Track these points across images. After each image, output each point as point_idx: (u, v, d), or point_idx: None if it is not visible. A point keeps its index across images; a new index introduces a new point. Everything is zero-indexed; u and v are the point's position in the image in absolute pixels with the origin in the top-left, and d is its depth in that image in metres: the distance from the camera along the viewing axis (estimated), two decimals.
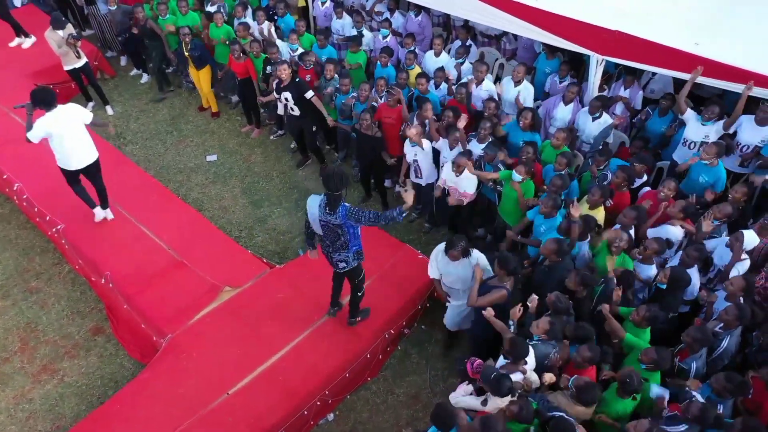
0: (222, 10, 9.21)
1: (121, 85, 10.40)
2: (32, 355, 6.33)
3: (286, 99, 7.57)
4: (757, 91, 6.17)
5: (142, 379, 5.51)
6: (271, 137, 9.25)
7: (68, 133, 6.28)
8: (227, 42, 8.81)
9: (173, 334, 5.77)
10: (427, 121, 6.96)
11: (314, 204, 5.02)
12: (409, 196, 4.85)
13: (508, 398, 4.24)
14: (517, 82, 7.49)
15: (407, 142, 6.88)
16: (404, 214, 4.84)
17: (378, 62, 8.26)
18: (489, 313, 4.95)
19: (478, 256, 5.40)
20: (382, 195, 7.89)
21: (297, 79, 7.46)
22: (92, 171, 6.70)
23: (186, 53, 8.84)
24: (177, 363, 5.57)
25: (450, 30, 9.83)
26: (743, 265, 5.26)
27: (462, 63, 8.08)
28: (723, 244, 5.45)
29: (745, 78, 6.15)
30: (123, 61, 10.92)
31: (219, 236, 6.98)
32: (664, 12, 6.94)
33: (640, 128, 7.43)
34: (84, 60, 9.02)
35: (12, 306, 6.82)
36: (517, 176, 6.04)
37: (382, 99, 7.49)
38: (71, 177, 6.65)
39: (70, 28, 8.75)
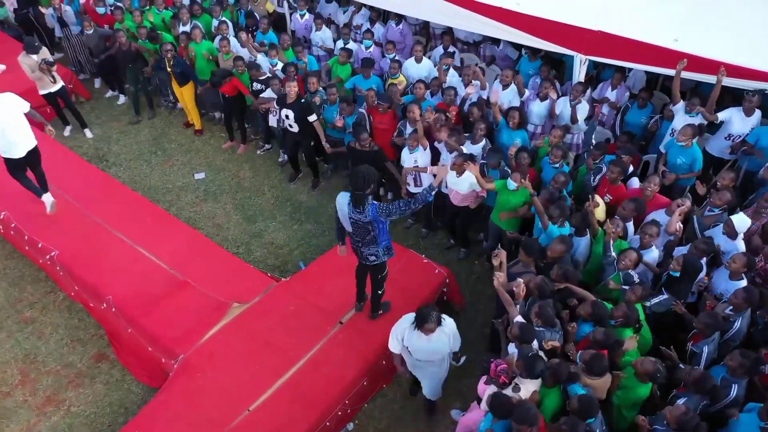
0: (198, 27, 9.16)
1: (98, 107, 10.21)
2: (34, 387, 6.12)
3: (287, 116, 7.58)
4: (738, 82, 6.48)
5: (159, 402, 5.39)
6: (258, 152, 9.20)
7: (6, 120, 6.60)
8: (210, 57, 8.76)
9: (185, 354, 5.66)
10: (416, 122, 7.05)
11: (343, 201, 5.11)
12: (441, 170, 5.04)
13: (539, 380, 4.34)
14: (506, 86, 7.64)
15: (406, 149, 6.94)
16: (434, 191, 4.95)
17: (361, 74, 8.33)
18: (498, 282, 5.06)
19: (449, 323, 4.82)
20: None
21: (302, 100, 7.47)
22: (33, 159, 7.04)
23: (168, 69, 8.75)
24: (192, 383, 5.47)
25: (429, 37, 9.99)
26: (738, 247, 5.48)
27: (447, 69, 8.19)
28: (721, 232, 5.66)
29: (718, 70, 6.44)
30: (97, 83, 10.74)
31: (220, 253, 6.90)
32: (643, 10, 7.21)
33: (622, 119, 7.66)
34: (60, 84, 8.85)
35: (7, 338, 6.59)
36: (512, 185, 6.13)
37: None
38: (15, 166, 6.95)
39: (44, 53, 8.55)
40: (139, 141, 9.48)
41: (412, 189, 7.14)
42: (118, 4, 9.77)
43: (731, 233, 5.43)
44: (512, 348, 4.76)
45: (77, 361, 6.37)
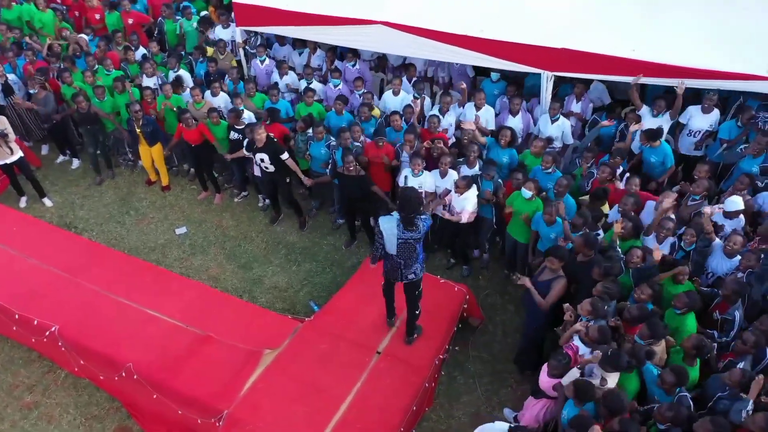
0: (163, 80, 9.04)
1: (51, 174, 9.68)
2: None
3: (262, 160, 7.60)
4: (693, 82, 7.20)
5: None
6: (236, 200, 9.06)
7: None
8: (174, 108, 8.62)
9: (229, 409, 5.44)
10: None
11: (391, 225, 5.30)
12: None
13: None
14: (479, 108, 8.05)
15: (410, 173, 7.10)
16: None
17: (333, 110, 8.48)
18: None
19: None
20: (370, 236, 8.00)
21: (274, 139, 7.51)
22: None
23: (138, 130, 8.50)
24: None
25: (384, 71, 10.28)
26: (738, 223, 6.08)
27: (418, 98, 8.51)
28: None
29: (678, 73, 7.15)
30: (44, 149, 10.21)
31: (233, 302, 6.74)
32: (600, 25, 7.82)
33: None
34: (18, 154, 8.45)
35: (11, 428, 6.06)
36: (527, 193, 6.46)
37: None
38: None
39: (2, 123, 8.11)
40: (105, 203, 9.07)
41: None
42: (63, 65, 9.39)
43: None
44: (582, 348, 5.01)
45: None
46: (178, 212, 8.88)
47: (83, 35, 10.30)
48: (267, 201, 8.84)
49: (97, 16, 10.67)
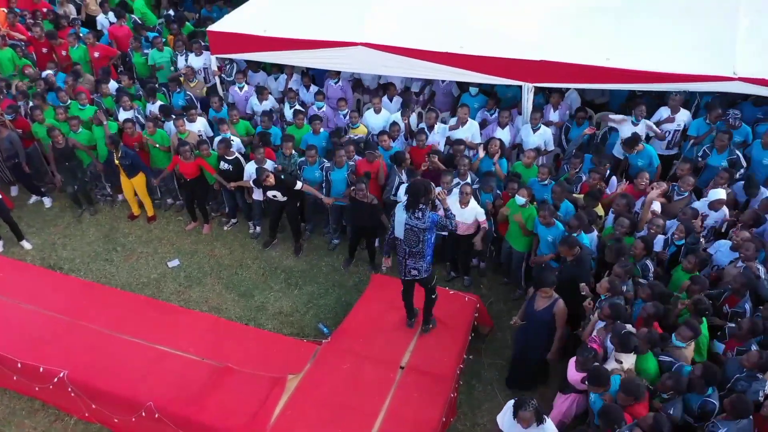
0: (140, 114, 8.91)
1: (26, 216, 9.31)
2: None
3: (275, 196, 7.65)
4: (664, 86, 7.66)
5: None
6: (225, 228, 8.96)
7: None
8: (157, 145, 8.51)
9: None
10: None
11: (401, 210, 5.67)
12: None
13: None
14: (463, 123, 8.30)
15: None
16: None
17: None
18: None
19: (550, 426, 4.61)
20: (371, 255, 8.09)
21: (282, 177, 7.55)
22: None
23: (116, 161, 8.33)
24: None
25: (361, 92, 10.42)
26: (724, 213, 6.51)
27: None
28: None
29: (650, 78, 7.59)
30: (14, 191, 9.82)
31: (246, 330, 6.67)
32: (576, 36, 8.22)
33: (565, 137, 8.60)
34: None
35: None
36: (520, 200, 6.67)
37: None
38: None
39: None
40: (89, 242, 8.79)
41: None
42: (33, 103, 9.11)
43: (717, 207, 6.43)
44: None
45: None
46: (167, 245, 8.71)
47: (49, 71, 10.01)
48: (258, 228, 8.79)
49: (64, 53, 10.42)
